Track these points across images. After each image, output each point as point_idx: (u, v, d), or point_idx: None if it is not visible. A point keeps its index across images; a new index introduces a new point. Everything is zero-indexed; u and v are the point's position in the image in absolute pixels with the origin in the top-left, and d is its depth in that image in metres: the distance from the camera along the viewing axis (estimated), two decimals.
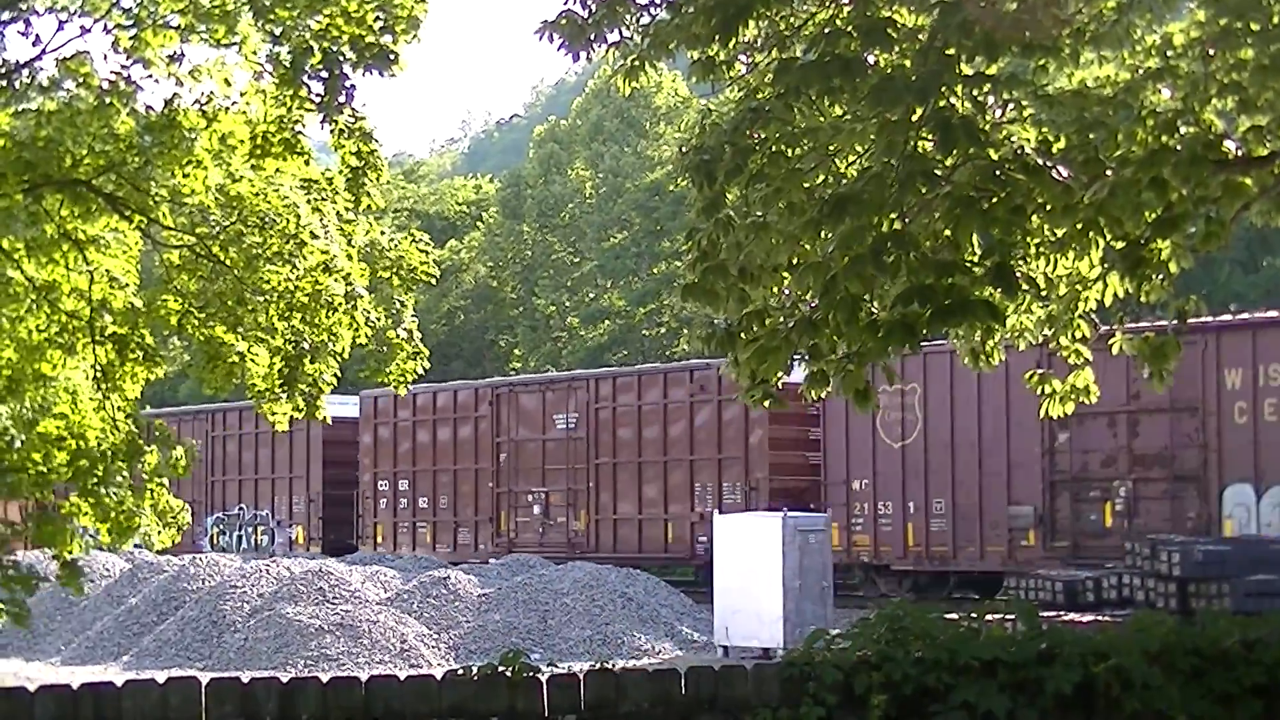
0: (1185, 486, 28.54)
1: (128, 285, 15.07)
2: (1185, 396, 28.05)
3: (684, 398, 35.69)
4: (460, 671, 8.91)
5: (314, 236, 14.38)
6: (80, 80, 13.82)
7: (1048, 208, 10.23)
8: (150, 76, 13.80)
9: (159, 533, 14.97)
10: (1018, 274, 10.33)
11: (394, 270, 15.34)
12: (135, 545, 15.34)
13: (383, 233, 15.48)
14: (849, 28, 9.92)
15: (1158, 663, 9.81)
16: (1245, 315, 29.69)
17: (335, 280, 14.57)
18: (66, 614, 32.69)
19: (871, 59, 10.01)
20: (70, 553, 14.43)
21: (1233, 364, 27.60)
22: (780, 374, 10.88)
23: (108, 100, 13.56)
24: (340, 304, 14.65)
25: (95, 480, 14.46)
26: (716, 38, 10.15)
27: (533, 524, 38.45)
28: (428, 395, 40.17)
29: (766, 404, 11.27)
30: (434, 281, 16.28)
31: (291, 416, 15.39)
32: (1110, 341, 11.99)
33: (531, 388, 39.10)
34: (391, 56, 13.72)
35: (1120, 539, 27.46)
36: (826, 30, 10.04)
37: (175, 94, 13.92)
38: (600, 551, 35.81)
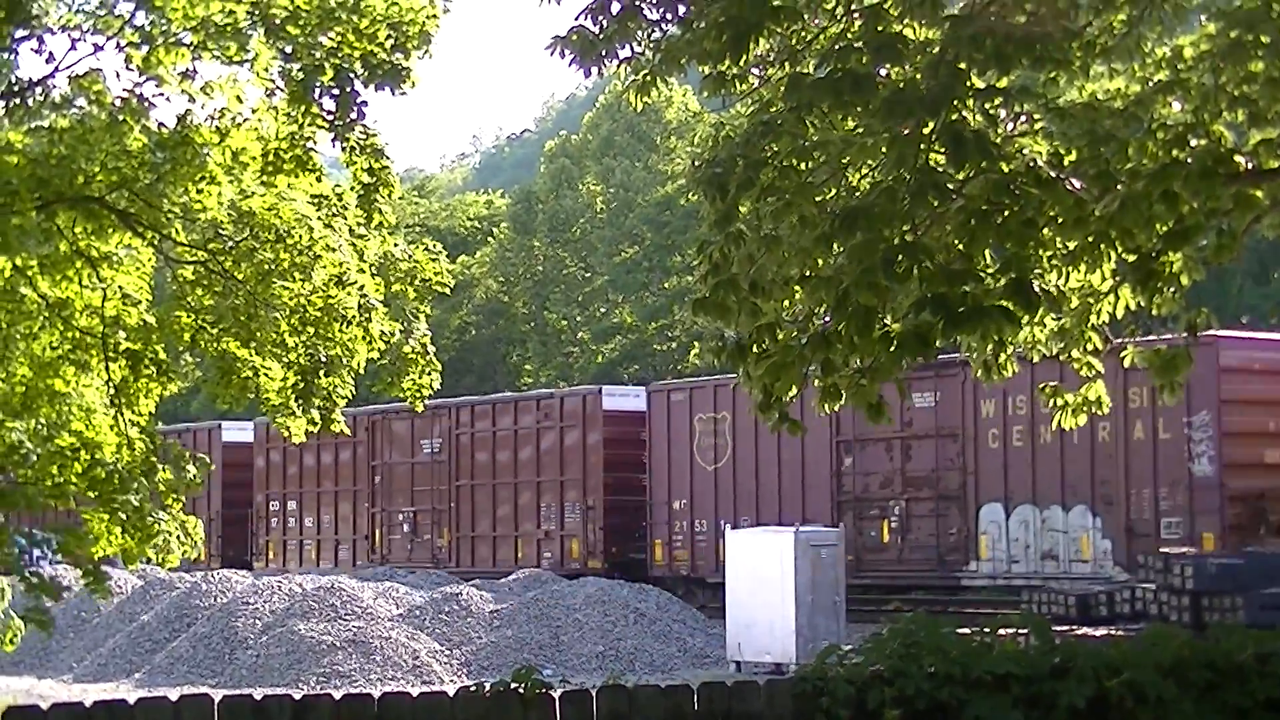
0: (949, 505, 31.70)
1: (141, 301, 15.11)
2: (949, 424, 31.57)
3: (532, 424, 38.97)
4: (473, 688, 8.90)
5: (328, 249, 14.42)
6: (93, 98, 13.87)
7: (1059, 220, 10.22)
8: (162, 94, 13.85)
9: (178, 547, 14.98)
10: (1035, 287, 10.32)
11: (408, 281, 15.36)
12: (144, 561, 15.34)
13: (396, 245, 15.50)
14: (860, 43, 9.92)
15: (1171, 677, 9.78)
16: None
17: (349, 293, 14.60)
18: (79, 631, 32.75)
19: (883, 72, 10.02)
20: (95, 557, 14.47)
21: (987, 395, 30.69)
22: (792, 392, 10.89)
23: (120, 117, 13.60)
24: (354, 316, 14.68)
25: (112, 490, 14.49)
26: (728, 55, 10.16)
27: (403, 541, 41.89)
28: None
29: (785, 427, 11.27)
30: (449, 291, 16.31)
31: (307, 430, 15.42)
32: (1122, 354, 11.99)
33: (402, 415, 41.17)
34: (403, 73, 13.75)
35: (895, 553, 32.18)
36: (838, 46, 10.05)
37: (188, 110, 13.96)
38: (460, 566, 39.05)
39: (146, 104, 13.78)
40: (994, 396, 30.65)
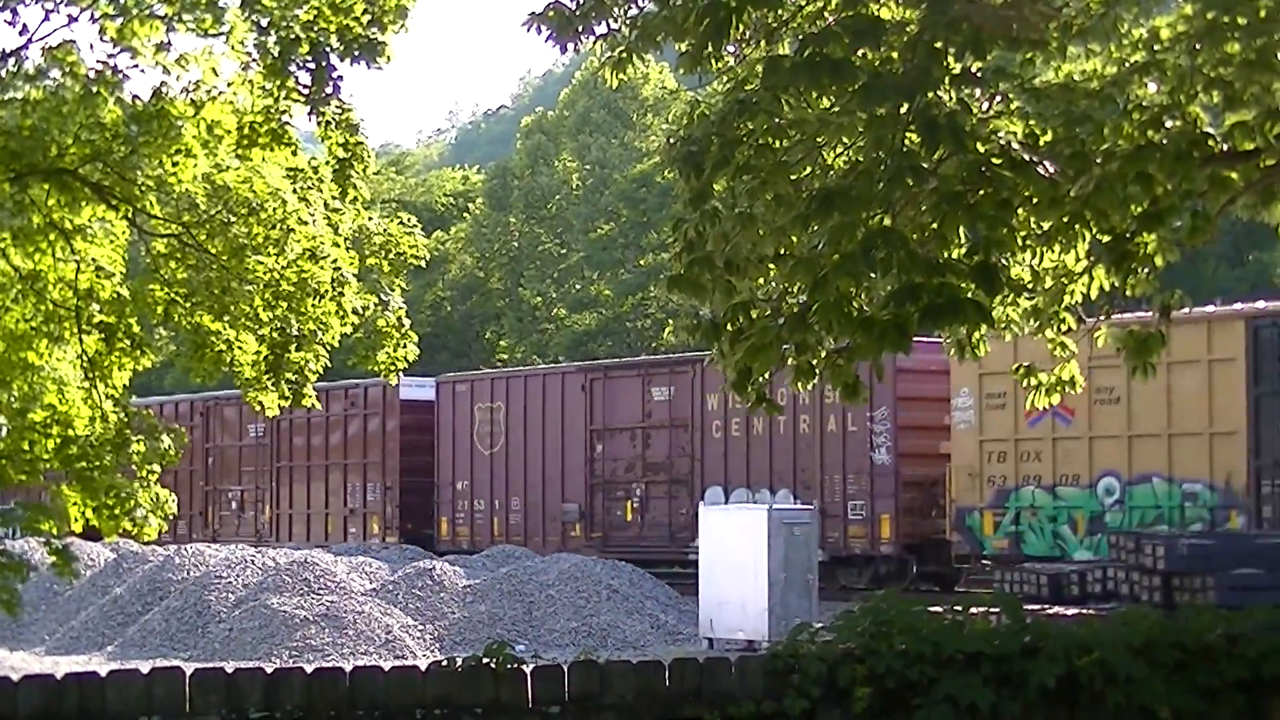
0: (679, 488, 35.88)
1: (114, 274, 15.06)
2: (680, 416, 35.81)
3: (341, 412, 42.68)
4: (444, 663, 8.90)
5: (301, 223, 14.38)
6: (67, 69, 13.81)
7: (1034, 202, 10.24)
8: (137, 66, 13.80)
9: (151, 521, 14.96)
10: (1000, 272, 10.33)
11: (383, 255, 15.33)
12: (122, 534, 15.32)
13: (371, 219, 15.47)
14: (837, 26, 9.91)
15: (1141, 656, 9.82)
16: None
17: (322, 267, 14.57)
18: (51, 604, 32.66)
19: (860, 51, 10.01)
20: (60, 536, 14.43)
21: (711, 389, 34.70)
22: (767, 372, 10.92)
23: (94, 89, 13.55)
24: (328, 291, 14.65)
25: (85, 466, 14.45)
26: (709, 41, 10.15)
27: (231, 517, 45.78)
28: (155, 407, 42.28)
29: (763, 407, 11.30)
30: (423, 265, 16.29)
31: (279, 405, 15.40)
32: (1095, 335, 12.02)
33: (231, 401, 43.60)
34: (379, 47, 13.72)
35: (637, 531, 36.59)
36: (815, 29, 10.03)
37: (162, 83, 13.91)
38: (280, 541, 41.79)
39: (121, 76, 13.73)
40: (715, 391, 34.50)
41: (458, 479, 40.65)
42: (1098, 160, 9.97)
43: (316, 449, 43.60)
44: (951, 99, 10.00)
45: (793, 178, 10.44)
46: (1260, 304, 29.19)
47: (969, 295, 9.84)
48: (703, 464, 35.44)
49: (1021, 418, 30.28)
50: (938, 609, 10.00)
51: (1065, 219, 10.28)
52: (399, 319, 15.34)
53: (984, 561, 31.00)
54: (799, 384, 11.10)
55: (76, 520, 14.84)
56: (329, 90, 13.75)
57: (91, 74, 13.68)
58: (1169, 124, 10.21)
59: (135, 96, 13.81)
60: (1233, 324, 28.14)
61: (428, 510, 41.31)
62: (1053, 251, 11.24)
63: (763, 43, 10.77)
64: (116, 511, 14.56)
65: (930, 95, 9.66)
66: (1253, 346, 27.86)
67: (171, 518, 15.65)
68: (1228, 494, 28.12)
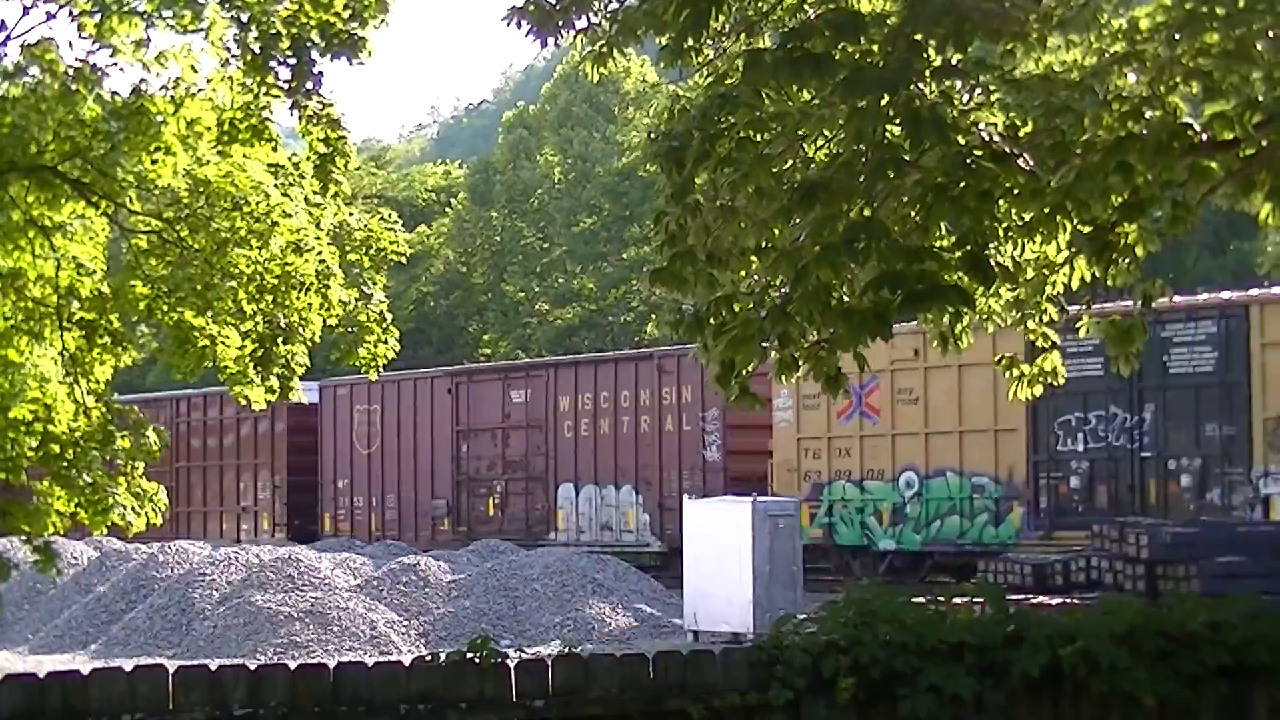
0: (535, 485, 39.17)
1: (95, 271, 15.04)
2: (536, 417, 38.97)
3: (234, 414, 44.59)
4: (429, 658, 8.90)
5: (285, 215, 14.36)
6: (46, 66, 13.78)
7: (1015, 193, 10.24)
8: (116, 63, 13.77)
9: (137, 515, 14.93)
10: (992, 261, 10.34)
11: (364, 250, 15.32)
12: (108, 529, 15.30)
13: (352, 214, 15.45)
14: (818, 20, 9.91)
15: (1124, 645, 9.84)
16: (572, 356, 42.90)
17: (306, 260, 14.55)
18: (34, 602, 32.62)
19: (841, 45, 10.00)
20: (44, 535, 14.42)
21: (564, 392, 38.34)
22: (751, 365, 10.92)
23: (73, 86, 13.52)
24: (312, 283, 14.62)
25: (66, 464, 14.43)
26: (688, 33, 10.15)
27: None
28: None
29: (749, 402, 11.31)
30: (404, 260, 16.28)
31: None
32: (1077, 325, 12.03)
33: (136, 404, 45.82)
34: (360, 42, 13.70)
35: (498, 524, 39.29)
36: (796, 23, 10.03)
37: (142, 80, 13.89)
38: (180, 537, 40.89)
39: (100, 73, 13.70)
40: (568, 394, 38.18)
41: (339, 477, 43.95)
42: (1078, 151, 9.97)
43: (212, 450, 46.96)
44: (933, 91, 10.01)
45: (774, 171, 10.43)
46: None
47: (951, 281, 9.84)
48: (556, 462, 38.61)
49: (834, 417, 33.10)
50: (921, 599, 10.02)
51: (1046, 210, 10.28)
52: (380, 314, 15.32)
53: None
54: (782, 376, 11.10)
55: (59, 518, 14.82)
56: (309, 85, 13.73)
57: (70, 71, 13.65)
58: (1149, 114, 10.21)
59: (115, 93, 13.80)
60: (1014, 330, 27.50)
61: (313, 507, 44.58)
62: (1034, 242, 11.24)
63: (743, 36, 10.76)
64: (99, 507, 14.54)
65: (912, 88, 9.67)
66: (1031, 350, 27.46)
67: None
68: (1010, 486, 30.70)
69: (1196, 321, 28.79)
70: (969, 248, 9.98)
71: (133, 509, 14.84)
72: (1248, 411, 28.00)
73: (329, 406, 43.85)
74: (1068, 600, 17.69)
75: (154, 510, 15.11)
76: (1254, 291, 30.08)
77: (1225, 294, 29.40)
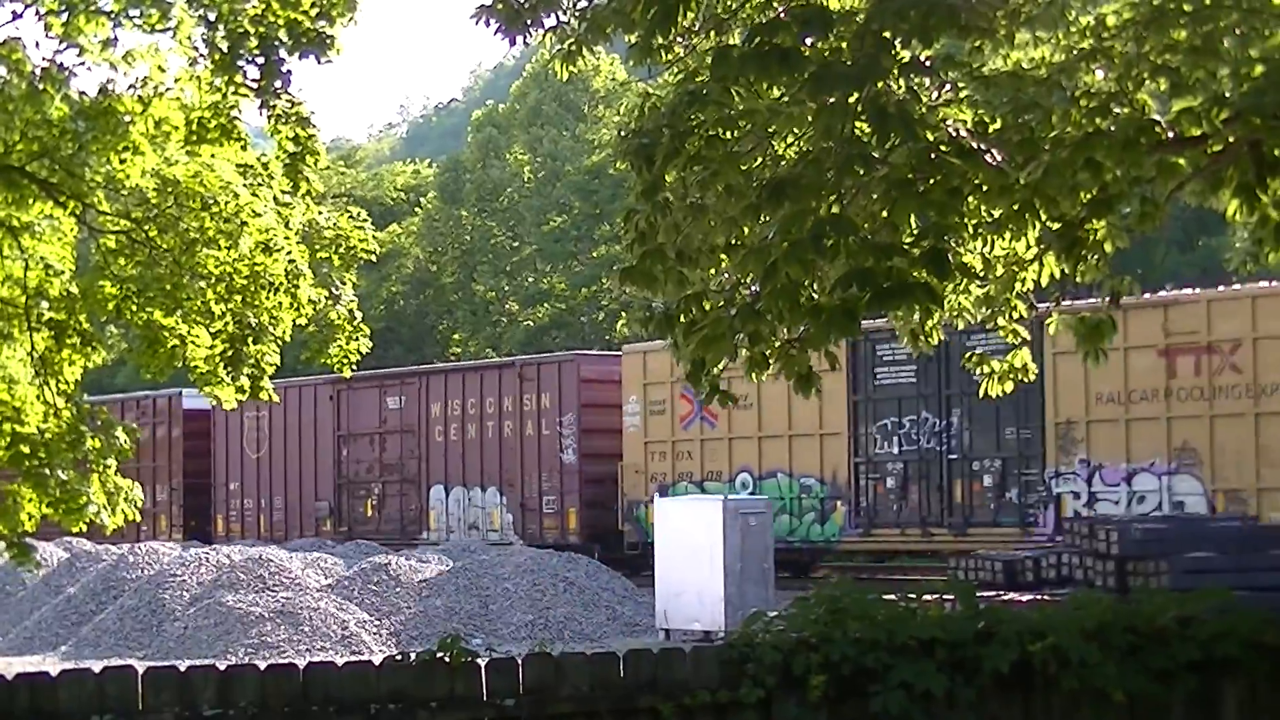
0: (410, 486, 41.41)
1: (64, 272, 15.00)
2: (410, 422, 41.19)
3: (133, 419, 43.85)
4: (399, 657, 8.89)
5: (254, 215, 14.32)
6: (12, 66, 13.72)
7: (984, 189, 10.26)
8: (83, 63, 13.72)
9: (111, 513, 14.89)
10: (951, 258, 10.35)
11: (333, 249, 15.28)
12: (78, 532, 15.26)
13: (321, 213, 15.42)
14: (786, 16, 9.91)
15: (1094, 640, 9.87)
16: (441, 365, 45.54)
17: (275, 260, 14.52)
18: (3, 604, 32.54)
19: (809, 41, 10.01)
20: (19, 532, 14.38)
21: (434, 399, 40.64)
22: (722, 364, 10.93)
23: (41, 86, 13.47)
24: (281, 283, 14.59)
25: (37, 463, 14.39)
26: (656, 29, 10.15)
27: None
28: None
29: (721, 400, 11.32)
30: (374, 259, 16.25)
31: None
32: (1047, 321, 12.05)
33: None
34: (328, 40, 13.67)
35: (375, 525, 41.91)
36: (764, 19, 10.03)
37: (109, 80, 13.84)
38: (82, 538, 42.53)
39: (67, 73, 13.65)
40: (439, 401, 40.49)
41: (230, 480, 45.57)
42: (1046, 148, 9.99)
43: None
44: (901, 88, 10.02)
45: (743, 168, 10.44)
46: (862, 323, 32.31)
47: (919, 279, 9.86)
48: (428, 465, 40.89)
49: (678, 422, 35.64)
50: (891, 596, 10.04)
51: (1015, 206, 10.29)
52: (350, 312, 15.30)
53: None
54: (753, 374, 11.11)
55: (30, 518, 14.78)
56: (278, 84, 13.69)
57: (38, 71, 13.60)
58: (1117, 111, 10.22)
59: (82, 93, 13.75)
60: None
61: (209, 509, 46.17)
62: (1003, 239, 11.26)
63: (712, 33, 10.76)
64: (70, 506, 14.51)
65: (879, 84, 9.68)
66: (852, 360, 32.31)
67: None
68: (834, 486, 33.16)
69: (997, 335, 28.71)
70: (929, 243, 9.98)
71: (105, 507, 14.80)
72: (1041, 417, 30.33)
73: (221, 413, 43.68)
74: (1038, 597, 17.71)
75: (129, 507, 15.08)
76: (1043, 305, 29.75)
77: None
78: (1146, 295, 25.46)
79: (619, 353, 38.87)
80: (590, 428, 37.47)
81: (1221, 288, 31.53)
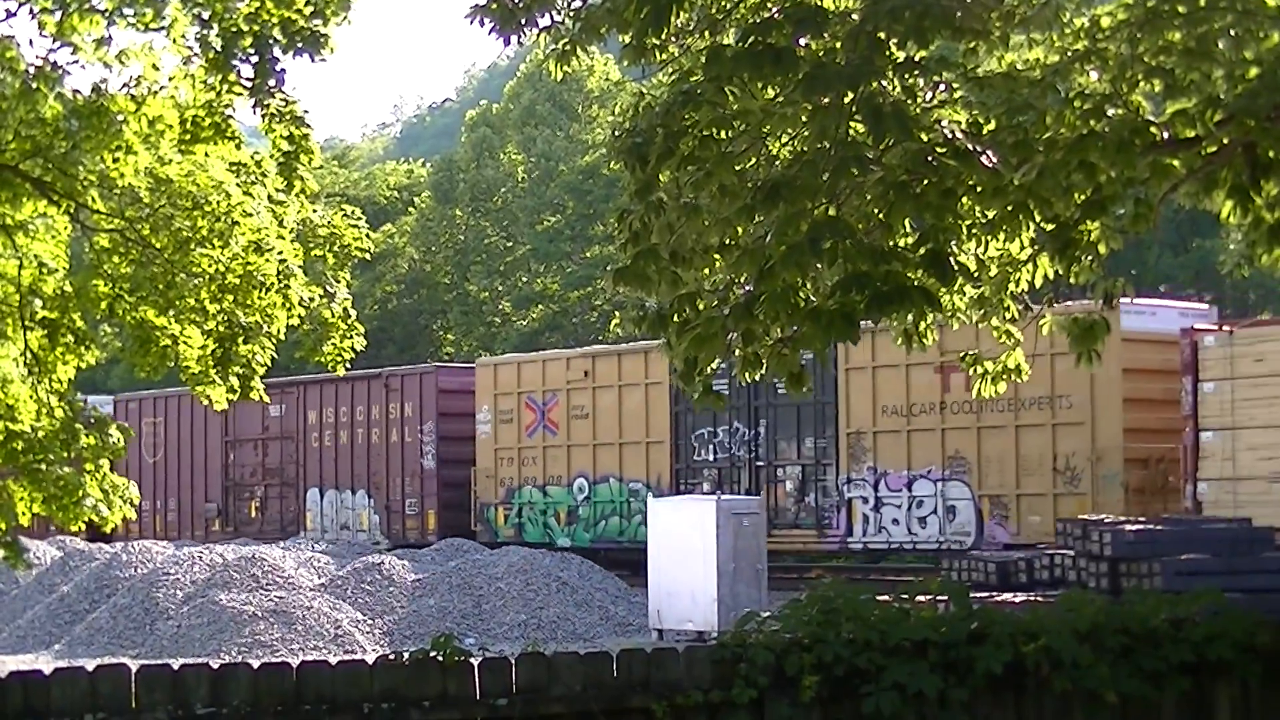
0: (289, 490, 44.31)
1: (57, 270, 14.98)
2: (289, 429, 44.16)
3: None
4: (392, 656, 8.89)
5: (246, 215, 14.31)
6: (6, 64, 13.70)
7: (978, 190, 10.26)
8: (77, 61, 13.69)
9: (109, 509, 14.89)
10: (952, 260, 10.36)
11: (327, 247, 15.27)
12: (77, 531, 15.25)
13: (315, 211, 15.40)
14: (780, 15, 9.91)
15: (1087, 642, 9.88)
16: (317, 375, 43.30)
17: (267, 259, 14.50)
18: None
19: (803, 41, 10.02)
20: (12, 530, 14.37)
21: (311, 407, 43.53)
22: (714, 364, 10.94)
23: (34, 84, 13.43)
24: (273, 283, 14.58)
25: (32, 460, 14.38)
26: (649, 28, 10.15)
27: None
28: None
29: (713, 401, 11.31)
30: (368, 257, 16.23)
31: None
32: (1041, 322, 12.06)
33: None
34: (322, 39, 13.64)
35: (258, 526, 44.56)
36: (758, 19, 10.03)
37: (103, 78, 13.82)
38: None
39: (61, 71, 13.62)
40: (315, 409, 43.39)
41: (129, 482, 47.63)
42: (1040, 149, 10.00)
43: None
44: (895, 88, 10.02)
45: (738, 168, 10.44)
46: None
47: (916, 283, 9.87)
48: (305, 469, 43.84)
49: (524, 430, 38.71)
50: (885, 597, 10.04)
51: (1009, 207, 10.30)
52: (344, 310, 15.29)
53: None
54: (746, 374, 11.11)
55: (24, 515, 14.77)
56: (272, 83, 13.66)
57: (31, 69, 13.57)
58: (1111, 112, 10.23)
59: (76, 92, 13.71)
60: (660, 355, 33.80)
61: None
62: (997, 240, 11.27)
63: (706, 33, 10.76)
64: (66, 503, 14.50)
65: (874, 84, 9.68)
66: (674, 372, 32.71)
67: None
68: (658, 491, 35.09)
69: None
70: (930, 246, 9.99)
71: (103, 503, 14.80)
72: (835, 427, 33.17)
73: (121, 418, 43.17)
74: (1031, 598, 17.72)
75: (125, 504, 15.07)
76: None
77: None
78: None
79: (473, 365, 42.29)
80: (447, 435, 40.64)
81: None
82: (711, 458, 35.37)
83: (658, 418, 36.09)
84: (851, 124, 9.80)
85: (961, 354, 12.89)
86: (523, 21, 10.65)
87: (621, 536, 36.33)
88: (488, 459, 39.39)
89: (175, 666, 8.56)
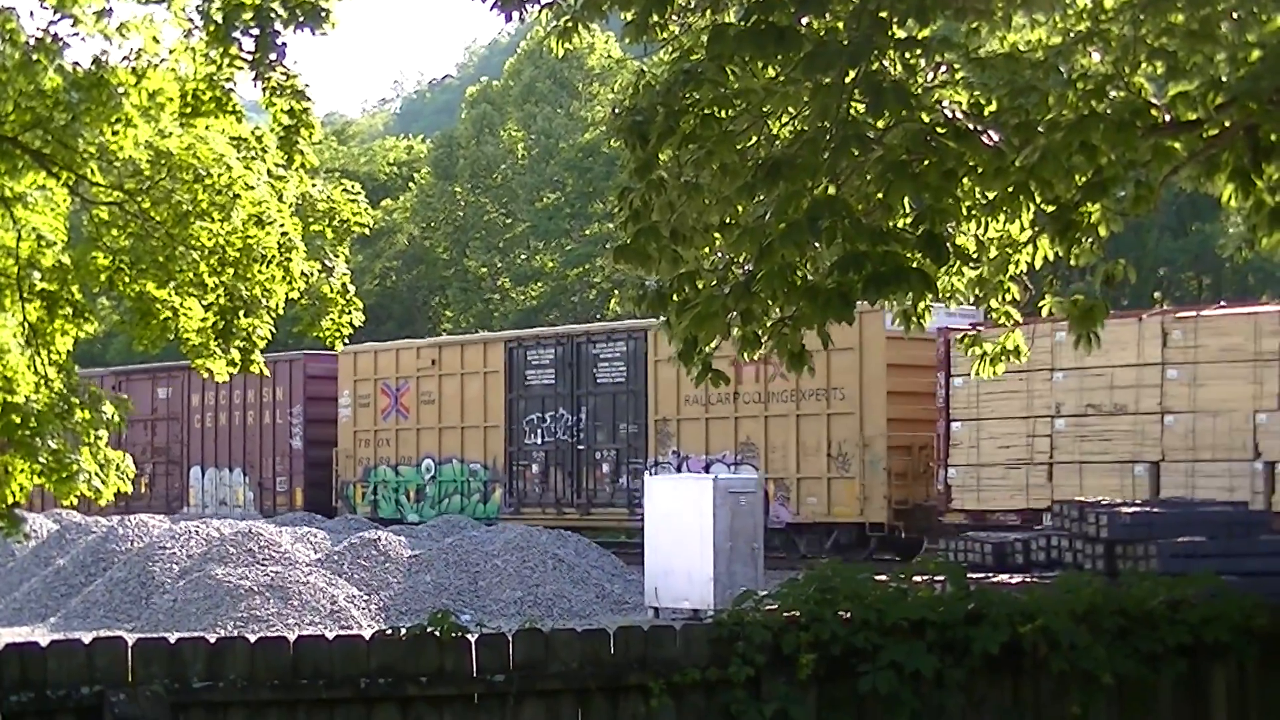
0: (175, 467, 47.52)
1: (56, 243, 14.96)
2: (175, 411, 47.37)
3: None
4: (389, 632, 8.89)
5: (248, 188, 14.28)
6: (6, 36, 13.67)
7: (979, 171, 10.24)
8: (77, 33, 13.66)
9: (104, 483, 14.88)
10: (948, 241, 10.35)
11: (326, 222, 15.24)
12: (70, 506, 15.23)
13: (314, 186, 15.37)
14: None
15: (1084, 623, 9.88)
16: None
17: (268, 233, 14.48)
18: None
19: (805, 21, 9.99)
20: (10, 503, 14.37)
21: (195, 390, 46.34)
22: (714, 342, 10.93)
23: (34, 56, 13.41)
24: (274, 256, 14.56)
25: (29, 433, 14.36)
26: (653, 10, 10.13)
27: None
28: None
29: (713, 379, 11.30)
30: (367, 232, 16.21)
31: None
32: (1040, 304, 12.04)
33: None
34: (323, 14, 13.60)
35: (148, 501, 45.73)
36: (759, 0, 10.01)
37: (103, 51, 13.79)
38: None
39: (61, 43, 13.59)
40: (197, 391, 46.07)
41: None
42: (1042, 130, 9.98)
43: None
44: (897, 67, 10.01)
45: (738, 147, 10.42)
46: (512, 331, 42.12)
47: (914, 264, 9.86)
48: (188, 448, 46.97)
49: (379, 414, 42.13)
50: (883, 577, 10.04)
51: (1010, 189, 10.29)
52: (343, 285, 15.27)
53: None
54: (745, 353, 11.10)
55: (21, 489, 14.76)
56: (273, 57, 13.63)
57: (31, 41, 13.54)
58: (1113, 94, 10.21)
59: (76, 64, 13.68)
60: (497, 345, 39.86)
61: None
62: (997, 221, 11.25)
63: (708, 11, 10.74)
64: (62, 475, 14.49)
65: (875, 63, 9.67)
66: (508, 362, 39.17)
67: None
68: (494, 471, 39.49)
69: (614, 342, 37.59)
70: (925, 227, 9.98)
71: (98, 474, 14.79)
72: (645, 414, 36.43)
73: None
74: (1027, 579, 17.74)
75: (120, 478, 15.06)
76: (651, 320, 38.82)
77: (632, 321, 37.31)
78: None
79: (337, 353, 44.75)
80: (314, 418, 44.09)
81: None
82: (540, 441, 38.72)
83: (494, 404, 39.45)
84: (853, 103, 9.79)
85: (961, 334, 12.86)
86: None
87: (463, 513, 39.04)
88: (348, 440, 42.96)
89: (172, 640, 8.56)
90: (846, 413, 32.70)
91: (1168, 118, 10.27)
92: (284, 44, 13.64)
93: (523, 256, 66.17)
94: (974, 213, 11.01)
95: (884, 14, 9.67)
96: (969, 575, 11.07)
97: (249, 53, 13.60)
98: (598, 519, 36.92)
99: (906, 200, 10.29)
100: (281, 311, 15.17)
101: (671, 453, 35.63)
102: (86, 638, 8.62)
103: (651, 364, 36.06)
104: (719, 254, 10.99)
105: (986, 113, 10.28)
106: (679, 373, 33.04)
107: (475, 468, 40.02)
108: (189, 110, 14.03)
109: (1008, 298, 12.01)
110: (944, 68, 10.54)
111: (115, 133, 13.75)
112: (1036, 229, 11.21)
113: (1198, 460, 27.61)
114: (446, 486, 40.63)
